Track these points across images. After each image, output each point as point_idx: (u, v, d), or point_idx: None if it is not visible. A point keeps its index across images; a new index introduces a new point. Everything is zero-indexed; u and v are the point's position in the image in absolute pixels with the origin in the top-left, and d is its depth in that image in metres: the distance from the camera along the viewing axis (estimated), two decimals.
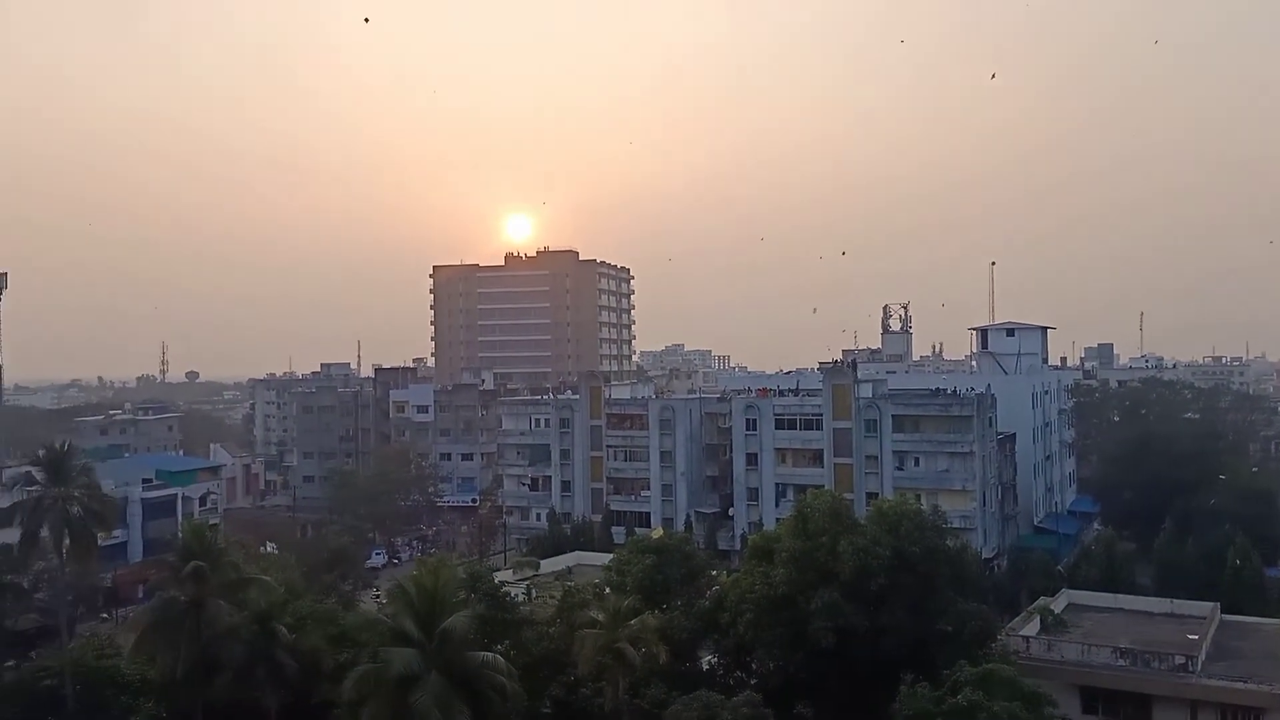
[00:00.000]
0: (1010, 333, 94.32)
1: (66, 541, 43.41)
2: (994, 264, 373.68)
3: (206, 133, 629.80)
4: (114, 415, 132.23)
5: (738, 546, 71.89)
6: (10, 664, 45.30)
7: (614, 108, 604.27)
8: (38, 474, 45.29)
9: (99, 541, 46.56)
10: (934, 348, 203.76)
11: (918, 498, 56.16)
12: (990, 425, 74.26)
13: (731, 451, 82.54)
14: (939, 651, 37.39)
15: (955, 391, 78.69)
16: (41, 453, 46.58)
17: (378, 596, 57.31)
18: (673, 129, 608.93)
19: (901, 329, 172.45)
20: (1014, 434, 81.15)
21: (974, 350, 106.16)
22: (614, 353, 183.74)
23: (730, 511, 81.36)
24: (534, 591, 50.04)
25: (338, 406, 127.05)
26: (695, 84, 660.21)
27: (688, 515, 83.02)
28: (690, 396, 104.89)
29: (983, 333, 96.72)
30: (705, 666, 42.19)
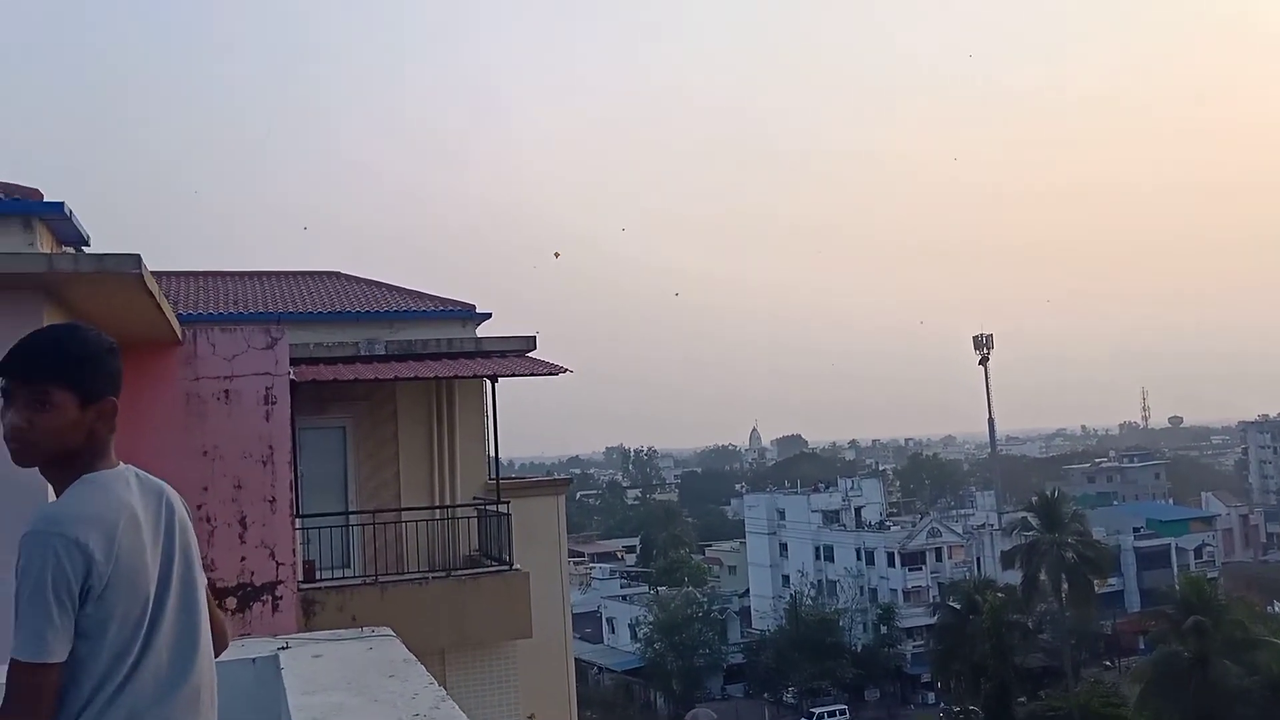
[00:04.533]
0: None
1: (1065, 586, 45.17)
2: None
3: None
4: (1099, 463, 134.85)
5: None
6: (1021, 699, 48.48)
7: None
8: (1033, 520, 48.31)
9: (1095, 588, 47.39)
10: None
11: None
12: None
13: None
14: None
15: None
16: (1034, 499, 49.63)
17: None
18: None
19: None
20: None
21: None
22: None
23: None
24: None
25: None
26: None
27: None
28: None
29: None
30: None
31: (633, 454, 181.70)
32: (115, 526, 2.08)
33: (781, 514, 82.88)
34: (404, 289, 19.43)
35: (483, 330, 18.34)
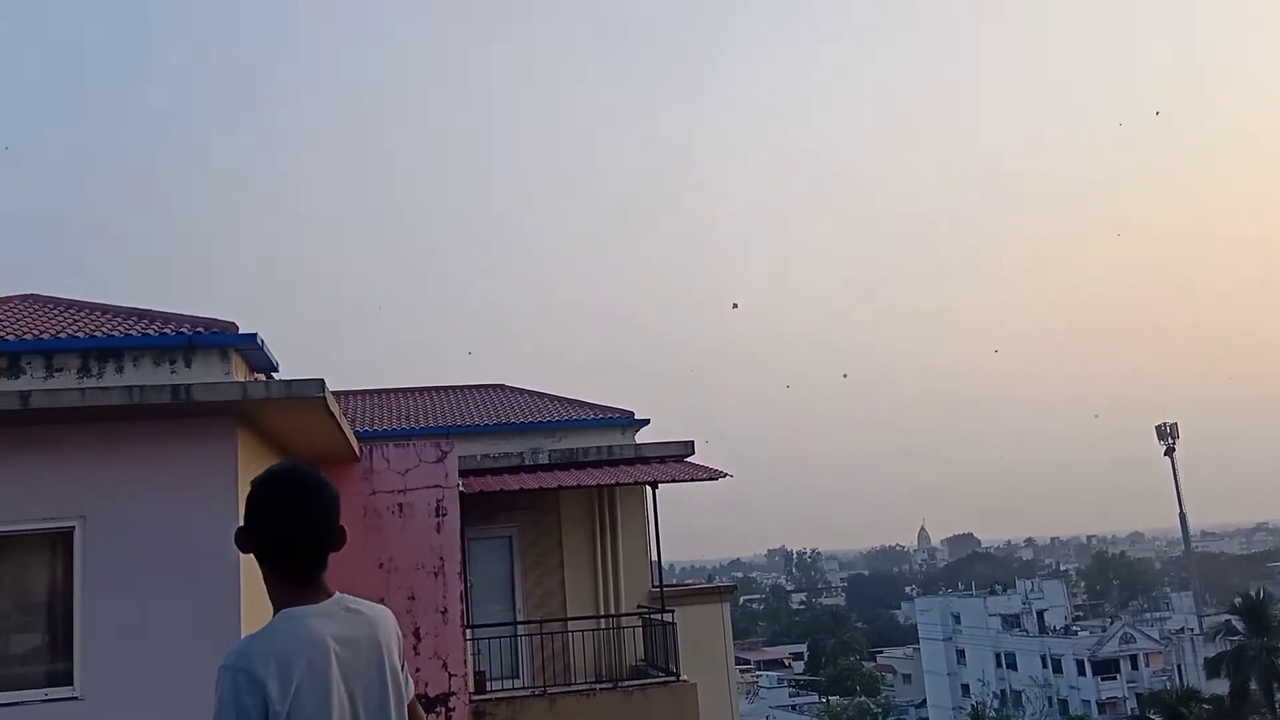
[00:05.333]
0: None
1: (1278, 695, 41.05)
2: None
3: None
4: None
5: None
6: None
7: None
8: (1237, 623, 44.42)
9: None
10: None
11: None
12: None
13: None
14: None
15: None
16: (1238, 600, 45.68)
17: None
18: None
19: None
20: None
21: None
22: None
23: None
24: None
25: None
26: None
27: None
28: None
29: None
30: None
31: (795, 556, 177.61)
32: (295, 662, 2.21)
33: (957, 618, 78.94)
34: (565, 398, 19.92)
35: (641, 436, 18.55)
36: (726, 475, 15.34)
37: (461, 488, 13.51)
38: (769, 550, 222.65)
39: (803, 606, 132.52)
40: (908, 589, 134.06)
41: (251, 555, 2.38)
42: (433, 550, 12.73)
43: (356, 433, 12.85)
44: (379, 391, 21.23)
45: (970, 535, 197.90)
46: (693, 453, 16.38)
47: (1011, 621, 75.45)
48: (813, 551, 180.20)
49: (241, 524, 2.39)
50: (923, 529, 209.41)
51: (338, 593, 2.42)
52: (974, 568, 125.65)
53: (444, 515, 13.03)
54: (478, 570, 15.37)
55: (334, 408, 9.47)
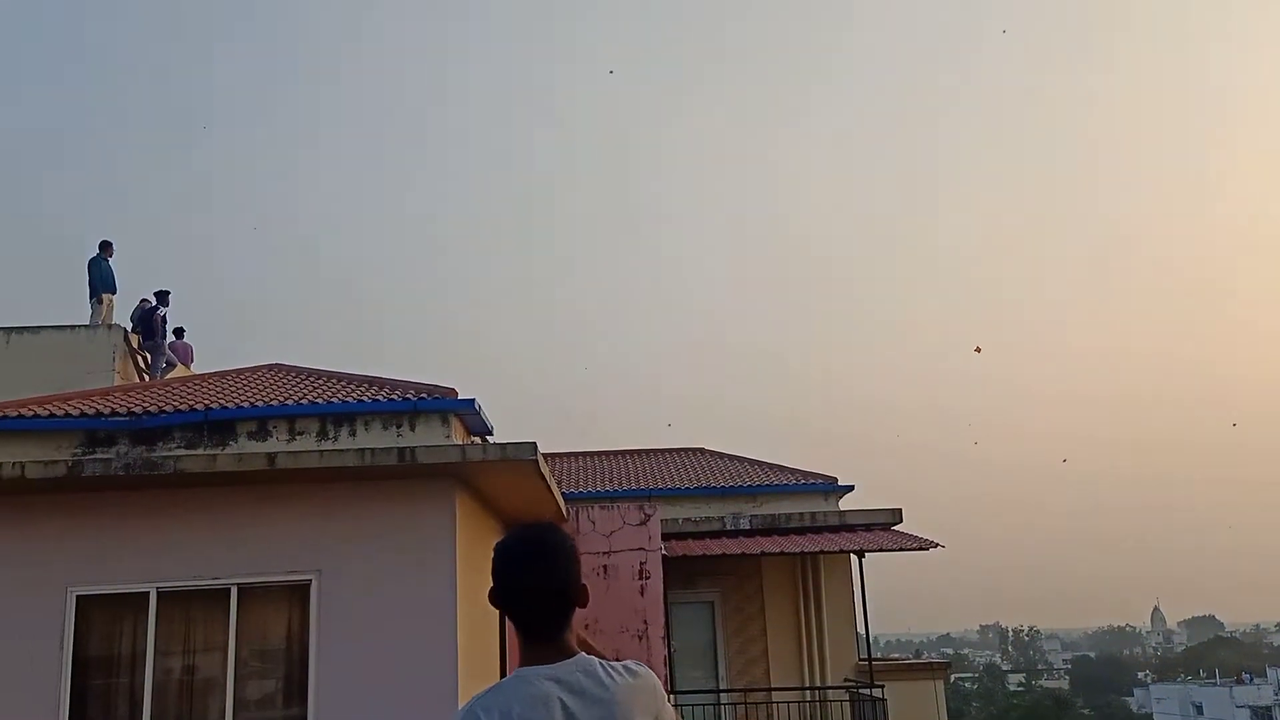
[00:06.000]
0: None
1: None
2: None
3: None
4: None
5: None
6: None
7: None
8: None
9: None
10: None
11: None
12: None
13: None
14: None
15: None
16: None
17: None
18: None
19: None
20: None
21: None
22: None
23: None
24: None
25: None
26: None
27: None
28: None
29: None
30: None
31: (1011, 634, 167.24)
32: (511, 714, 2.27)
33: (1198, 708, 72.22)
34: (766, 463, 19.76)
35: (845, 502, 18.12)
36: (938, 545, 14.74)
37: (664, 551, 13.60)
38: (981, 625, 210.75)
39: (1021, 688, 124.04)
40: (1141, 674, 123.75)
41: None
42: (636, 613, 12.84)
43: (563, 494, 13.21)
44: (582, 454, 21.75)
45: (1212, 617, 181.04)
46: (900, 520, 15.85)
47: (1262, 714, 68.13)
48: (1030, 629, 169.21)
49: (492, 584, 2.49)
50: (1157, 609, 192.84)
51: (581, 654, 2.46)
52: (1217, 653, 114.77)
53: (647, 578, 13.14)
54: (680, 635, 15.34)
55: (545, 470, 9.79)
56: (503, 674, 11.58)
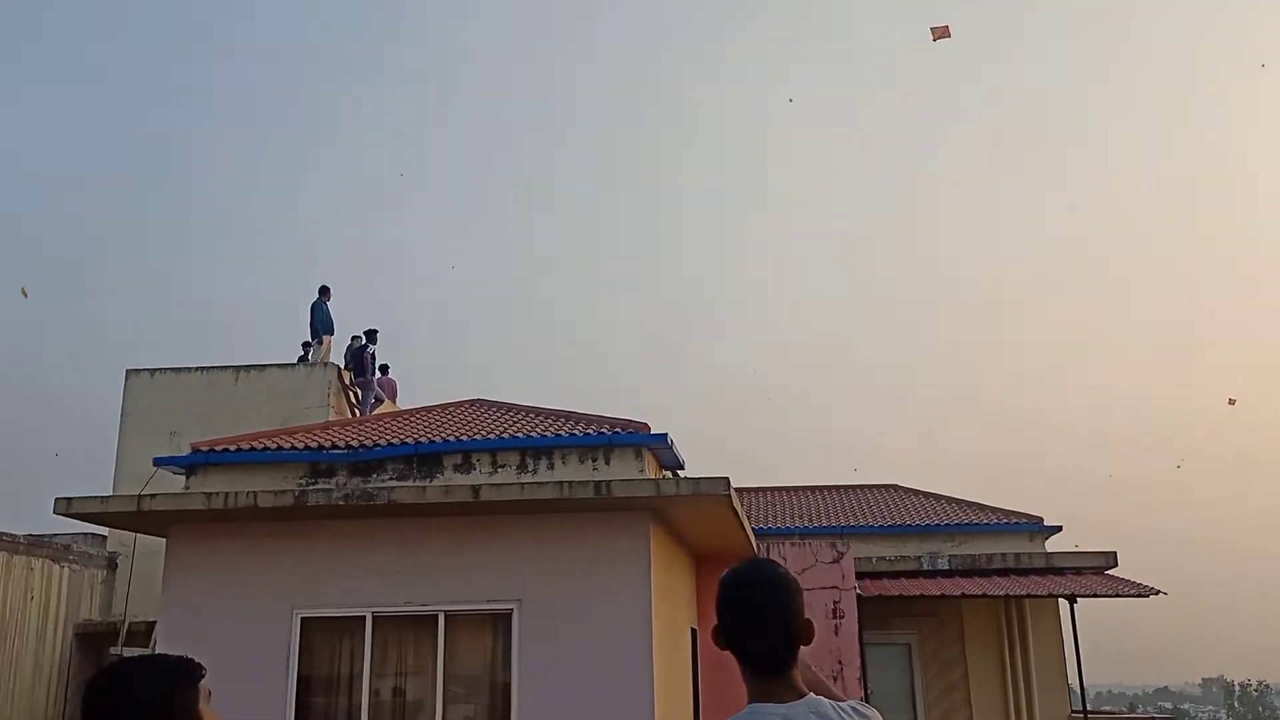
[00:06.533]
0: None
1: None
2: None
3: None
4: None
5: None
6: None
7: None
8: None
9: None
10: None
11: None
12: None
13: None
14: None
15: None
16: None
17: None
18: None
19: None
20: None
21: None
22: None
23: None
24: None
25: None
26: None
27: None
28: None
29: None
30: None
31: (1239, 689, 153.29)
32: None
33: None
34: (964, 501, 18.98)
35: (1052, 544, 17.14)
36: (1159, 592, 13.72)
37: (858, 590, 13.24)
38: (1204, 679, 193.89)
39: None
40: None
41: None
42: (831, 653, 12.53)
43: (754, 529, 13.09)
44: (772, 489, 21.53)
45: None
46: (1115, 564, 14.86)
47: None
48: (1260, 684, 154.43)
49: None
50: None
51: (810, 694, 2.41)
52: None
53: (841, 618, 12.82)
54: (875, 677, 14.85)
55: (737, 505, 9.74)
56: (696, 704, 11.52)
